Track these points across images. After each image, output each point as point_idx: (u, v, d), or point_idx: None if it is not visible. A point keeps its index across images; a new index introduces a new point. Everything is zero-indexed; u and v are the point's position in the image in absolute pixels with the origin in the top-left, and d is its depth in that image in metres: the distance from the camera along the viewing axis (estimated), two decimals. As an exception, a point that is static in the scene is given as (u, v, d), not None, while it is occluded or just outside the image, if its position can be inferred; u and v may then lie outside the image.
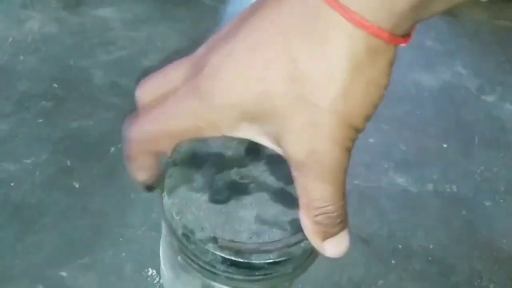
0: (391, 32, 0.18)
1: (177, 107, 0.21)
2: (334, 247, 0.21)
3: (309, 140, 0.19)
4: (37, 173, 0.43)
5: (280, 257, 0.21)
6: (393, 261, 0.42)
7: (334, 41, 0.18)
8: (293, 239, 0.22)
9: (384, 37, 0.18)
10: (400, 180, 0.49)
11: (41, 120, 0.47)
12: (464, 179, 0.50)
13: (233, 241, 0.21)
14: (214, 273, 0.22)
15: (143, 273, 0.38)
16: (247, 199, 0.23)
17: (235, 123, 0.20)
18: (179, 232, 0.22)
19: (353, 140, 0.20)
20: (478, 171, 0.51)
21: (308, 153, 0.19)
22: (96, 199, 0.42)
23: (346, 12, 0.17)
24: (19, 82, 0.49)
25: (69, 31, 0.56)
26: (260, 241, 0.21)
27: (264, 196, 0.23)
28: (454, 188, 0.49)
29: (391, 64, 0.19)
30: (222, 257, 0.21)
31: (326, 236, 0.21)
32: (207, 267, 0.22)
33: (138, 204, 0.42)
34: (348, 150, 0.20)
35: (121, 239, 0.40)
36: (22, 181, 0.42)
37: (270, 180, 0.23)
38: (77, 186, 0.42)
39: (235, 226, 0.21)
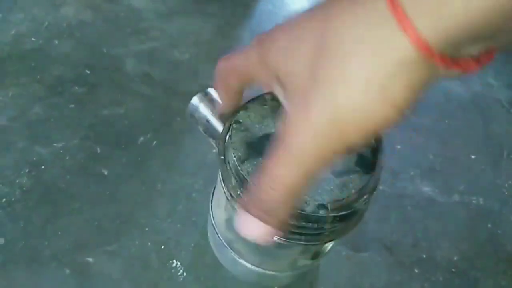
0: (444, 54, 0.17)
1: (243, 53, 0.24)
2: (244, 224, 0.22)
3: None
4: (67, 158, 0.43)
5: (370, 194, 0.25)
6: (416, 271, 0.42)
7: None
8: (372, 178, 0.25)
9: (437, 61, 0.17)
10: (426, 189, 0.48)
11: (73, 106, 0.47)
12: (491, 192, 0.49)
13: (339, 200, 0.24)
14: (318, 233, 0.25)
15: (167, 264, 0.38)
16: None
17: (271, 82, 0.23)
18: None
19: (336, 150, 0.19)
20: (506, 185, 0.51)
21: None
22: (124, 187, 0.42)
23: (410, 30, 0.16)
24: (52, 67, 0.50)
25: (103, 18, 0.56)
26: (353, 190, 0.24)
27: None
28: (481, 200, 0.48)
29: (421, 86, 0.18)
30: (333, 216, 0.24)
31: (250, 210, 0.21)
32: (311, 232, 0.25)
33: (165, 196, 0.42)
34: (328, 154, 0.19)
35: (147, 229, 0.40)
36: (53, 165, 0.42)
37: None
38: (106, 173, 0.43)
39: (326, 187, 0.24)
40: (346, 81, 0.18)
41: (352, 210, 0.25)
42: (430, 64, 0.17)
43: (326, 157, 0.19)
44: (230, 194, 0.26)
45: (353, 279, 0.40)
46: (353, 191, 0.24)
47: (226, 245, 0.33)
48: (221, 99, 0.27)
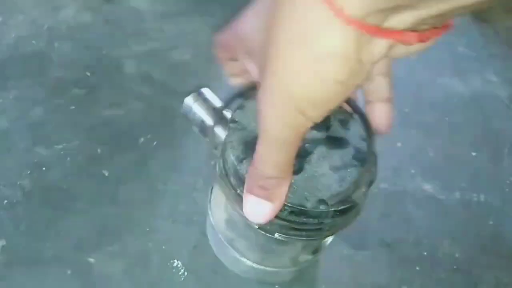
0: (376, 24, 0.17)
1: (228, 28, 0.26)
2: (254, 207, 0.24)
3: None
4: (68, 159, 0.43)
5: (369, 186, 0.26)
6: (418, 268, 0.42)
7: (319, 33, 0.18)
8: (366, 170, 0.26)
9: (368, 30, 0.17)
10: (427, 186, 0.48)
11: (73, 107, 0.47)
12: (492, 189, 0.49)
13: (339, 194, 0.24)
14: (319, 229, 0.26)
15: (168, 264, 0.38)
16: (313, 158, 0.26)
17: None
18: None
19: (302, 126, 0.20)
20: (507, 181, 0.50)
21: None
22: (125, 188, 0.42)
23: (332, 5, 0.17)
24: (53, 69, 0.50)
25: (103, 20, 0.56)
26: (350, 183, 0.25)
27: (322, 149, 0.26)
28: (482, 197, 0.48)
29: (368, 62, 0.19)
30: (333, 211, 0.25)
31: (252, 191, 0.23)
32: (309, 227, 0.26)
33: (166, 196, 0.42)
34: (297, 132, 0.21)
35: (148, 229, 0.40)
36: (54, 166, 0.42)
37: (316, 134, 0.27)
38: (106, 174, 0.43)
39: (325, 182, 0.25)
40: (292, 70, 0.19)
41: (351, 203, 0.25)
42: (361, 35, 0.17)
43: (296, 133, 0.21)
44: (230, 193, 0.26)
45: (355, 277, 0.40)
46: (351, 183, 0.25)
47: (227, 244, 0.33)
48: (224, 70, 0.29)
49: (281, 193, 0.23)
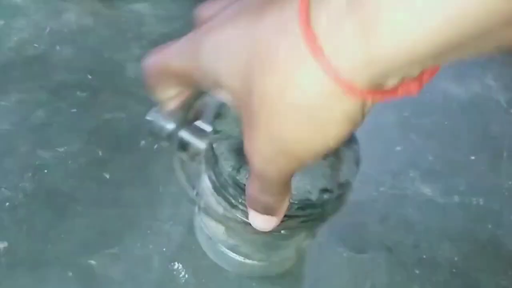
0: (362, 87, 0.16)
1: (176, 47, 0.22)
2: (260, 222, 0.24)
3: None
4: (69, 162, 0.44)
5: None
6: (417, 271, 0.42)
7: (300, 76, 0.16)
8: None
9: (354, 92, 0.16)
10: (426, 190, 0.48)
11: (74, 110, 0.48)
12: (491, 193, 0.50)
13: (335, 178, 0.25)
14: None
15: (169, 266, 0.39)
16: None
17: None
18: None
19: (288, 170, 0.20)
20: (506, 185, 0.51)
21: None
22: (126, 191, 0.42)
23: (319, 54, 0.16)
24: (54, 72, 0.50)
25: (104, 24, 0.56)
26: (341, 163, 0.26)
27: None
28: (481, 201, 0.49)
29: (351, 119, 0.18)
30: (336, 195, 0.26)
31: (256, 209, 0.23)
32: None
33: (167, 198, 0.42)
34: (292, 171, 0.20)
35: (149, 232, 0.40)
36: (55, 169, 0.43)
37: None
38: (108, 177, 0.43)
39: (320, 171, 0.26)
40: (278, 113, 0.18)
41: (347, 183, 0.26)
42: (367, 101, 0.17)
43: (292, 172, 0.20)
44: (231, 203, 0.26)
45: (354, 280, 0.41)
46: (341, 165, 0.26)
47: (231, 252, 0.33)
48: (157, 96, 0.25)
49: (284, 205, 0.23)
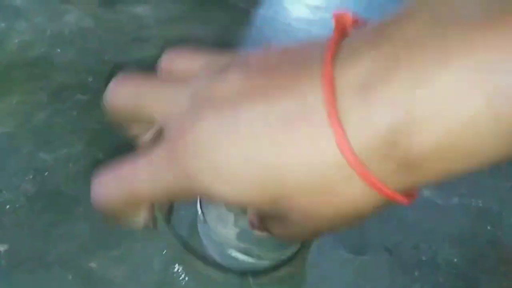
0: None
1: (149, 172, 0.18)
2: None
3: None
4: (70, 164, 0.44)
5: None
6: (416, 273, 0.42)
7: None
8: None
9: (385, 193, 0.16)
10: (426, 191, 0.48)
11: (75, 113, 0.48)
12: (491, 195, 0.50)
13: None
14: None
15: (170, 268, 0.39)
16: None
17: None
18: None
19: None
20: (505, 187, 0.51)
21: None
22: (127, 193, 0.42)
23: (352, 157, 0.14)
24: (56, 74, 0.51)
25: (105, 26, 0.57)
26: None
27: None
28: (480, 203, 0.49)
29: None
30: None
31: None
32: None
33: (167, 200, 0.43)
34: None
35: (149, 234, 0.40)
36: (57, 171, 0.43)
37: None
38: (108, 179, 0.43)
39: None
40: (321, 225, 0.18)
41: None
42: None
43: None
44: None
45: (354, 282, 0.41)
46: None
47: (246, 255, 0.33)
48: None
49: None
